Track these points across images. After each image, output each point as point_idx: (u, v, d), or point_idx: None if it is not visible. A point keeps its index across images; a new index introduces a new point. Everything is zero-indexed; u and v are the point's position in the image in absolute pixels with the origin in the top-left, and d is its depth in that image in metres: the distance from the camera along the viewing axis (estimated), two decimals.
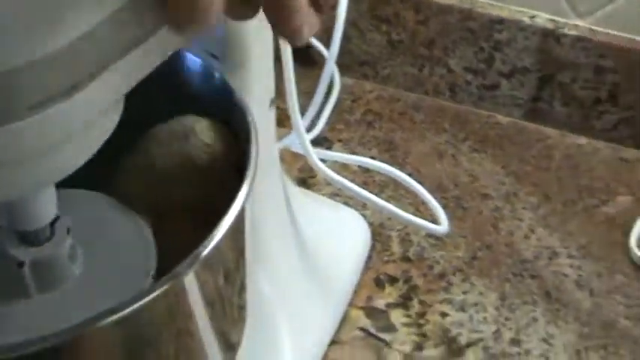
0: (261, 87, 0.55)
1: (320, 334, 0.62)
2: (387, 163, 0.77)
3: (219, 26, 0.49)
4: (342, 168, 0.78)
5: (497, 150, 0.82)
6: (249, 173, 0.41)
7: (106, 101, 0.32)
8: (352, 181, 0.74)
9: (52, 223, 0.39)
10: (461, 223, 0.73)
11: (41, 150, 0.31)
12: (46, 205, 0.38)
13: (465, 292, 0.67)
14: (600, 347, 0.64)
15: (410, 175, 0.77)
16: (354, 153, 0.80)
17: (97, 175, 0.40)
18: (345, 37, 0.75)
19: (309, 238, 0.65)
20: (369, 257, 0.69)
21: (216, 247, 0.38)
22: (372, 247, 0.70)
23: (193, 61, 0.47)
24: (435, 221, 0.68)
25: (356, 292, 0.66)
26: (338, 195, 0.74)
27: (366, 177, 0.78)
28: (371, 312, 0.65)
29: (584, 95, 0.83)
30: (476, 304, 0.67)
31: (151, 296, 0.35)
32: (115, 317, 0.34)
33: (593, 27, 0.81)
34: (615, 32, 0.80)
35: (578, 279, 0.69)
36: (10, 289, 0.39)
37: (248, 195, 0.40)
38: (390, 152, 0.81)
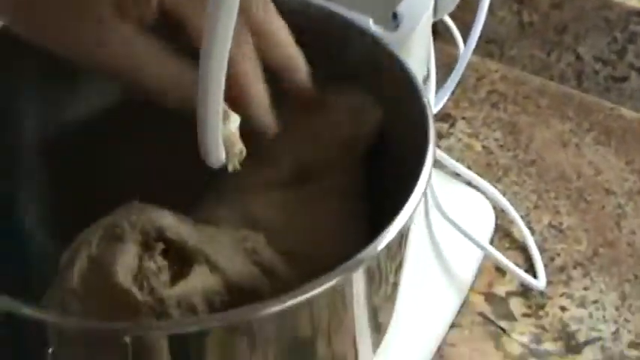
0: (420, 65, 0.55)
1: (441, 316, 0.62)
2: (510, 146, 0.78)
3: None
4: (466, 146, 0.78)
5: (621, 144, 0.81)
6: (426, 170, 0.41)
7: None
8: (475, 162, 0.75)
9: None
10: (583, 215, 0.73)
11: None
12: None
13: (585, 288, 0.67)
14: None
15: (534, 161, 0.77)
16: (477, 133, 0.80)
17: None
18: (474, 12, 0.72)
19: (436, 220, 0.65)
20: (491, 242, 0.68)
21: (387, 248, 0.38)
22: (495, 230, 0.69)
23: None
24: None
25: (476, 278, 0.66)
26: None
27: (489, 159, 0.77)
28: (491, 298, 0.65)
29: None
30: (595, 302, 0.66)
31: (322, 288, 0.36)
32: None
33: None
34: None
35: None
36: None
37: (426, 188, 0.40)
38: (513, 135, 0.80)
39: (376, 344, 0.47)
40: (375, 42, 0.49)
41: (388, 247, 0.37)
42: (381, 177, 0.48)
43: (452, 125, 0.80)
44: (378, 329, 0.46)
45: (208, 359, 0.36)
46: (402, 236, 0.41)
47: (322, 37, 0.50)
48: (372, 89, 0.48)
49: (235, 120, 0.39)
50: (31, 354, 0.35)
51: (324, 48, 0.50)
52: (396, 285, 0.45)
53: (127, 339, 0.31)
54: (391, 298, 0.46)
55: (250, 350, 0.37)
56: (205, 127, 0.36)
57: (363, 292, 0.39)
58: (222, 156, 0.37)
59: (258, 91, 0.42)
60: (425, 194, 0.40)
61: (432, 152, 0.41)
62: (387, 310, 0.46)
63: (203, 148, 0.37)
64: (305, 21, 0.49)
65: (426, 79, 0.58)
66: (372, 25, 0.52)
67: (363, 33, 0.49)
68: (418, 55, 0.55)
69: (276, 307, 0.34)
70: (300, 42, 0.46)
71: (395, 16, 0.52)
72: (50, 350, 0.32)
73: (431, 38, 0.59)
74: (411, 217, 0.39)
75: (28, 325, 0.34)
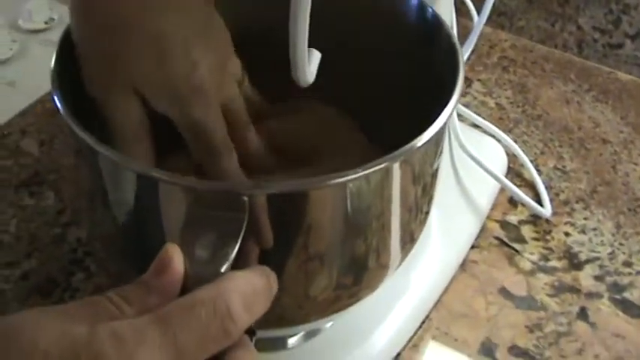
0: (447, 17, 0.65)
1: (464, 238, 0.73)
2: (519, 103, 0.88)
3: None
4: (481, 103, 0.89)
5: (617, 102, 0.92)
6: (458, 87, 0.51)
7: None
8: (489, 116, 0.85)
9: None
10: (584, 160, 0.84)
11: None
12: None
13: (585, 218, 0.78)
14: None
15: (540, 115, 0.87)
16: (491, 92, 0.91)
17: None
18: None
19: (459, 160, 0.76)
20: None
21: (425, 145, 0.47)
22: (507, 172, 0.80)
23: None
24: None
25: (492, 209, 0.77)
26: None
27: (501, 113, 0.88)
28: (505, 225, 0.76)
29: None
30: (594, 229, 0.77)
31: (366, 172, 0.44)
32: (339, 180, 0.44)
33: None
34: None
35: None
36: None
37: (455, 105, 0.50)
38: (522, 94, 0.91)
39: (407, 248, 0.56)
40: None
41: (426, 146, 0.47)
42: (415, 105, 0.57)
43: (469, 86, 0.91)
44: (411, 235, 0.55)
45: (287, 213, 0.45)
46: (438, 141, 0.51)
47: None
48: (406, 36, 0.59)
49: (317, 55, 0.50)
50: (169, 213, 0.45)
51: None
52: (430, 195, 0.55)
53: (245, 198, 0.42)
54: (424, 205, 0.55)
55: (318, 213, 0.46)
56: (296, 58, 0.47)
57: (400, 183, 0.48)
58: (309, 78, 0.48)
59: None
60: (452, 119, 0.50)
61: (463, 71, 0.51)
62: (420, 216, 0.55)
63: (294, 73, 0.48)
64: None
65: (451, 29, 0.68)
66: None
67: None
68: (446, 9, 0.66)
69: (332, 180, 0.44)
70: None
71: None
72: (186, 210, 0.43)
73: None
74: (444, 125, 0.48)
75: (165, 187, 0.44)
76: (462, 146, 0.75)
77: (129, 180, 0.46)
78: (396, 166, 0.47)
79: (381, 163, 0.45)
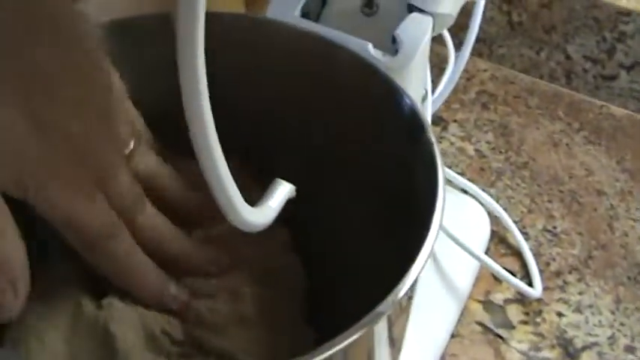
0: (419, 85, 0.55)
1: (442, 327, 0.63)
2: (502, 148, 0.78)
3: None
4: (459, 150, 0.79)
5: (611, 143, 0.81)
6: (438, 214, 0.41)
7: None
8: (469, 166, 0.75)
9: None
10: (577, 218, 0.74)
11: None
12: None
13: (580, 293, 0.68)
14: None
15: (526, 163, 0.77)
16: (470, 136, 0.80)
17: None
18: (464, 13, 0.71)
19: None
20: (487, 249, 0.69)
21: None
22: (491, 237, 0.70)
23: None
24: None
25: (474, 285, 0.67)
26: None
27: (482, 163, 0.78)
28: (489, 306, 0.66)
29: None
30: (591, 306, 0.67)
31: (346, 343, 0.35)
32: None
33: None
34: None
35: None
36: None
37: (438, 231, 0.40)
38: (505, 137, 0.81)
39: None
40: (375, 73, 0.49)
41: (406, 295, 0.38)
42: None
43: (444, 128, 0.81)
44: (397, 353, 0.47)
45: None
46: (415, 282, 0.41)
47: (321, 66, 0.51)
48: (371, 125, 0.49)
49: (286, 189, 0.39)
50: None
51: (324, 77, 0.50)
52: (408, 314, 0.46)
53: None
54: (405, 326, 0.47)
55: None
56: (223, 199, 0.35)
57: (386, 334, 0.40)
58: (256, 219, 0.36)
59: None
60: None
61: (441, 209, 0.41)
62: (402, 335, 0.47)
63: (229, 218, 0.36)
64: (303, 51, 0.50)
65: (424, 98, 0.58)
66: (371, 50, 0.52)
67: (366, 64, 0.49)
68: (418, 76, 0.55)
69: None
70: (298, 71, 0.48)
71: (394, 40, 0.52)
72: None
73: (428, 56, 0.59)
74: (425, 263, 0.39)
75: None
76: None
77: None
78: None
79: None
